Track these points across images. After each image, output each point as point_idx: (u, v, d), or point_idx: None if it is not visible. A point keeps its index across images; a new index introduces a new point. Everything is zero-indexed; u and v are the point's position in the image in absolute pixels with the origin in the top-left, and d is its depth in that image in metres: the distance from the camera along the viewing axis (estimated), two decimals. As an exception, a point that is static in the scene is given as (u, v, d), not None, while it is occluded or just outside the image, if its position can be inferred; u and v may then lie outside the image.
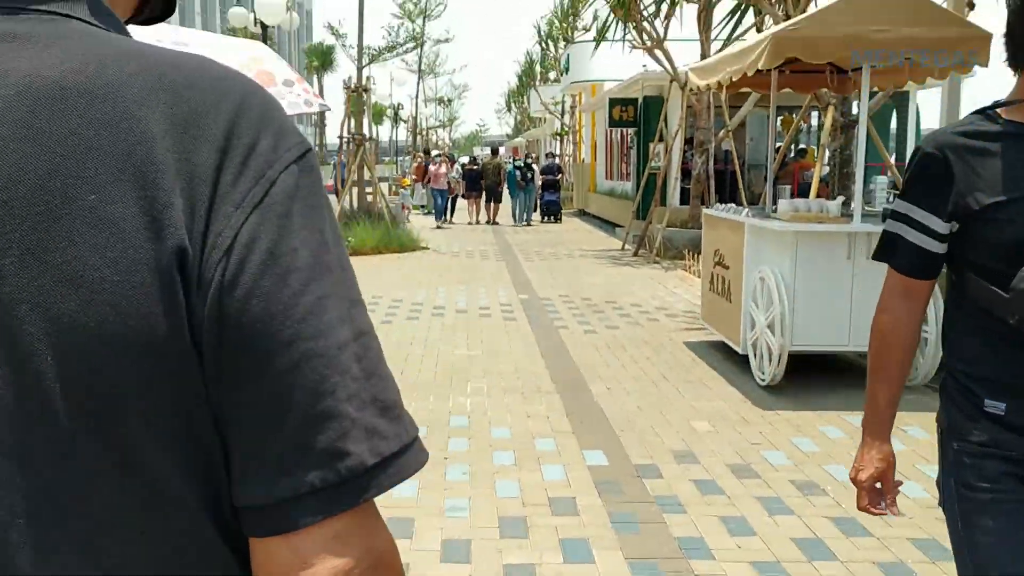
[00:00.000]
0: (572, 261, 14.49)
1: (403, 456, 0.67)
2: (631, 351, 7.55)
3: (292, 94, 4.24)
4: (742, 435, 5.19)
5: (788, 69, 7.76)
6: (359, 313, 0.69)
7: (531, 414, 5.63)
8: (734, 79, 6.45)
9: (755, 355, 6.43)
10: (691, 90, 15.21)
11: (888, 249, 1.90)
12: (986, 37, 5.59)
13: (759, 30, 15.11)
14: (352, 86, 15.04)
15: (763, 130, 22.19)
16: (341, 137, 15.34)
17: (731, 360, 7.04)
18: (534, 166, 23.04)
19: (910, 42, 5.56)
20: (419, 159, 26.23)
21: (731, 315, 6.99)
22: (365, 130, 15.16)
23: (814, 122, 22.62)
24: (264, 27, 14.28)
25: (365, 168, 15.26)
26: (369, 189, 15.40)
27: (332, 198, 21.40)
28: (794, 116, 22.17)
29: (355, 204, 15.30)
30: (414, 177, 24.88)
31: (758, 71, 6.29)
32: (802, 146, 21.45)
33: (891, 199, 17.49)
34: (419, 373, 6.73)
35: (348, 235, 14.41)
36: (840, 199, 6.29)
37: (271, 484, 0.64)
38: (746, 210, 6.95)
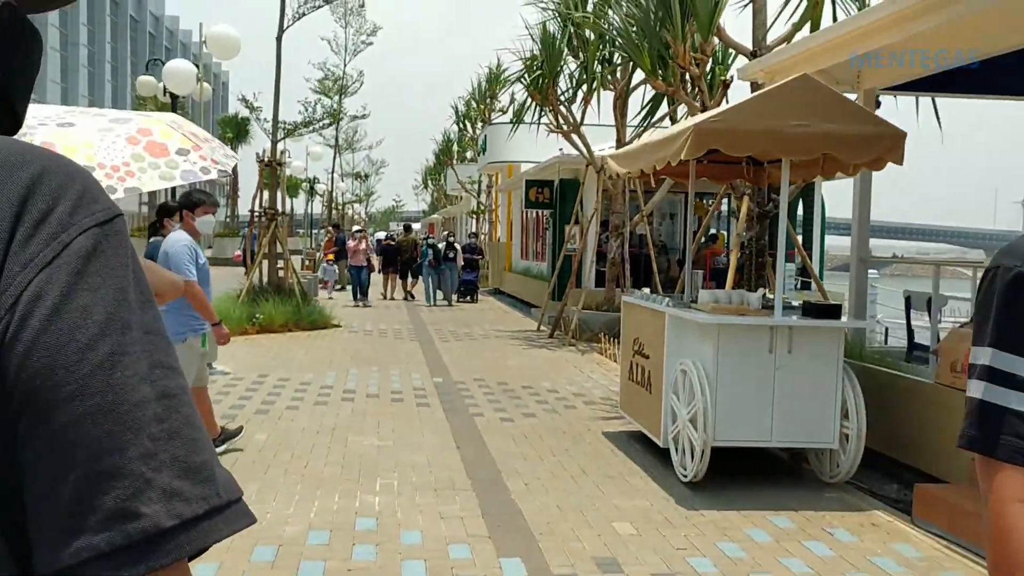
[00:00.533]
0: (488, 342, 14.24)
1: (211, 519, 0.65)
2: (549, 442, 7.27)
3: (187, 162, 3.96)
4: (666, 538, 4.93)
5: (706, 159, 7.83)
6: (166, 376, 0.68)
7: (445, 515, 5.27)
8: (657, 167, 6.41)
9: (677, 449, 6.24)
10: (607, 176, 15.43)
11: (987, 431, 1.19)
12: (900, 136, 5.69)
13: (673, 120, 15.49)
14: (265, 159, 14.68)
15: (676, 214, 22.69)
16: (252, 210, 14.89)
17: (652, 452, 6.83)
18: (456, 244, 22.35)
19: (828, 138, 5.61)
20: (329, 233, 25.66)
21: (651, 406, 6.80)
22: (278, 204, 14.75)
23: (723, 208, 23.26)
24: (174, 97, 13.88)
25: (277, 242, 14.81)
26: (280, 263, 14.91)
27: (240, 271, 20.80)
28: (705, 202, 22.81)
29: (265, 279, 14.78)
30: (323, 253, 24.22)
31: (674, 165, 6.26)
32: (712, 231, 21.97)
33: (798, 284, 17.90)
34: (324, 466, 6.30)
35: (256, 311, 13.87)
36: (761, 291, 6.24)
37: (58, 549, 0.62)
38: (666, 299, 6.84)
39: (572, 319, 14.88)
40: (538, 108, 15.37)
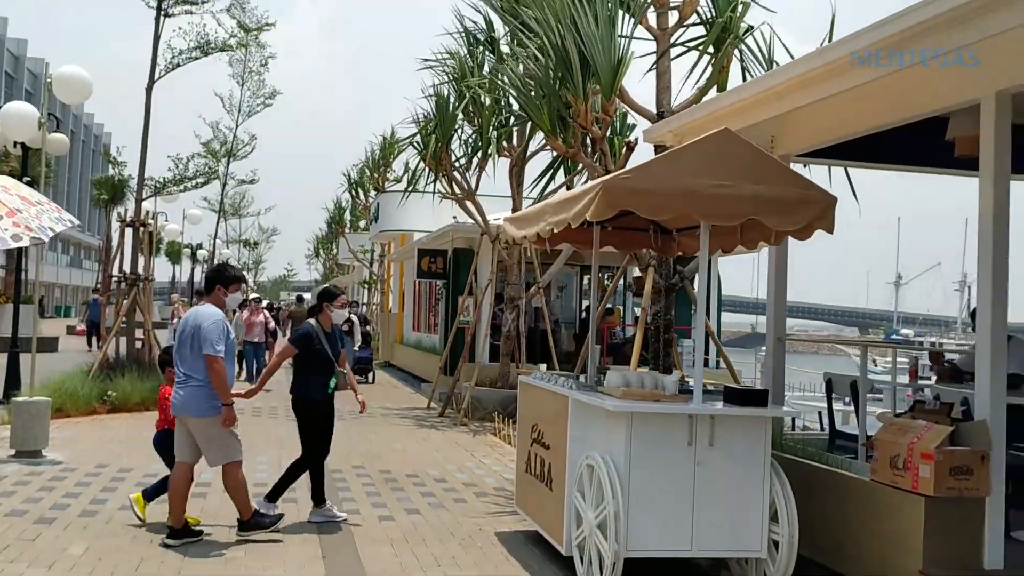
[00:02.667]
0: (373, 422, 13.06)
1: None
2: (433, 547, 6.23)
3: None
4: None
5: (610, 226, 7.14)
6: None
7: (296, 657, 4.17)
8: (556, 230, 5.63)
9: (583, 559, 5.31)
10: (502, 245, 14.72)
11: None
12: (832, 202, 5.09)
13: (570, 188, 14.99)
14: (128, 220, 13.33)
15: (570, 287, 22.17)
16: (111, 275, 13.44)
17: (553, 560, 5.88)
18: (353, 317, 18.58)
19: (754, 201, 4.95)
20: (174, 303, 22.67)
21: (552, 506, 5.89)
22: (141, 268, 13.37)
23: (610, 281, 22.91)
24: (26, 149, 12.47)
25: (138, 310, 13.37)
26: (141, 334, 13.45)
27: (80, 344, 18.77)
28: (604, 277, 22.41)
29: (123, 352, 13.28)
30: (173, 316, 21.68)
31: (582, 224, 5.51)
32: (608, 306, 21.55)
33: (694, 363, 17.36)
34: (153, 588, 5.09)
35: (109, 388, 12.34)
36: (677, 374, 5.47)
37: None
38: (570, 381, 6.00)
39: (464, 396, 13.91)
40: (432, 175, 14.61)
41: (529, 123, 13.94)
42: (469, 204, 14.60)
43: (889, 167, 7.19)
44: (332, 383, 6.77)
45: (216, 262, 39.84)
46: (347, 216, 39.18)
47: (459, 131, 13.99)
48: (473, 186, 14.23)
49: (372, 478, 8.72)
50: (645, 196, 4.88)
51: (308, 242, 73.51)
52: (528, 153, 14.12)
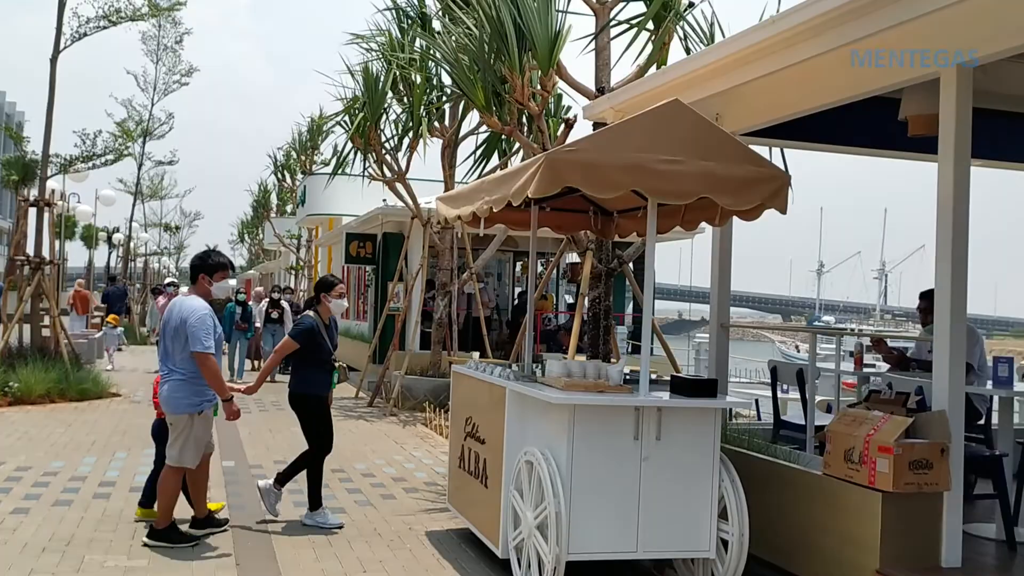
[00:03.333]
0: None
1: None
2: (359, 549, 5.79)
3: None
4: None
5: (549, 206, 6.77)
6: None
7: None
8: (494, 209, 5.21)
9: (520, 563, 4.94)
10: (434, 229, 14.25)
11: None
12: (785, 180, 4.79)
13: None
14: (32, 199, 12.43)
15: (502, 274, 21.80)
16: (13, 258, 12.55)
17: (489, 562, 5.50)
18: (284, 304, 17.47)
19: (706, 179, 4.62)
20: (80, 286, 21.87)
21: (488, 504, 5.50)
22: (46, 251, 12.49)
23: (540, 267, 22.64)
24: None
25: (43, 296, 12.50)
26: (47, 322, 12.60)
27: None
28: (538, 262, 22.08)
29: (25, 340, 12.40)
30: (70, 303, 20.55)
31: (520, 205, 5.11)
32: (542, 292, 21.26)
33: (629, 349, 17.28)
34: (41, 606, 4.53)
35: (10, 379, 11.50)
36: (622, 363, 5.11)
37: None
38: (507, 371, 5.61)
39: (394, 385, 13.43)
40: (360, 156, 14.02)
41: (463, 101, 13.47)
42: (399, 186, 14.07)
43: (842, 149, 6.96)
44: (335, 377, 6.52)
45: (131, 247, 38.27)
46: (273, 199, 38.05)
47: (389, 110, 13.43)
48: (404, 168, 13.69)
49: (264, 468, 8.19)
50: (591, 171, 4.50)
51: (232, 226, 71.47)
52: (461, 134, 13.64)
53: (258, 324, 17.08)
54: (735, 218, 5.41)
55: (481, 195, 5.48)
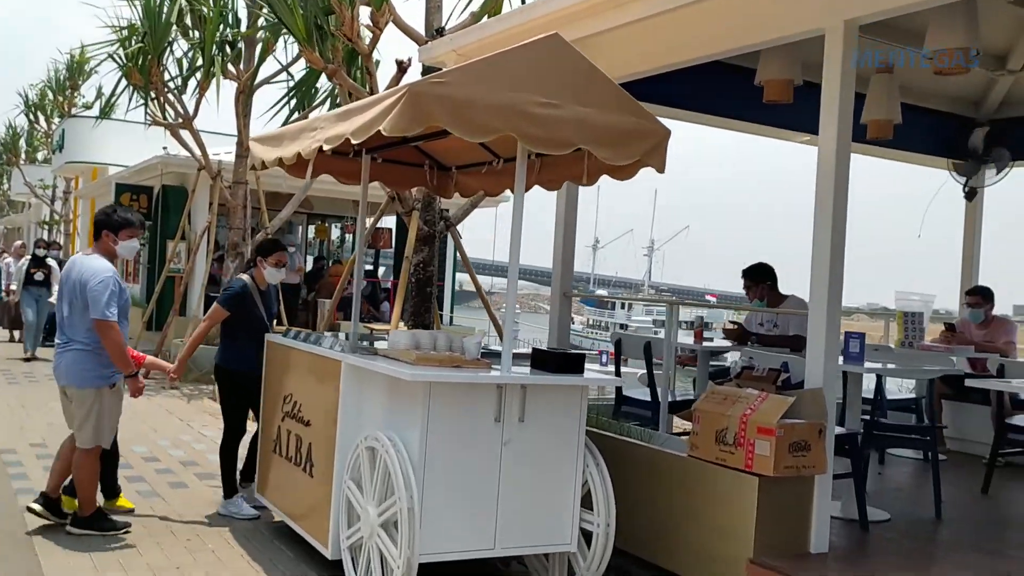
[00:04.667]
0: (54, 386, 10.81)
1: None
2: (150, 554, 4.82)
3: None
4: None
5: (380, 157, 6.00)
6: None
7: None
8: (328, 147, 4.39)
9: (358, 566, 4.23)
10: (225, 184, 12.87)
11: None
12: (666, 134, 4.35)
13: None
14: None
15: (295, 235, 20.50)
16: None
17: (313, 563, 4.73)
18: (51, 262, 13.79)
19: (583, 127, 4.07)
20: None
21: (313, 497, 4.72)
22: None
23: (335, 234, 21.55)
24: None
25: None
26: None
27: None
28: (328, 225, 20.93)
29: None
30: None
31: (357, 143, 4.35)
32: (336, 258, 20.18)
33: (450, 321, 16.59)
34: None
35: None
36: (478, 335, 4.47)
37: None
38: (337, 340, 4.83)
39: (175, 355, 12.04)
40: (139, 96, 12.36)
41: (259, 43, 12.23)
42: (185, 134, 12.57)
43: (701, 117, 6.70)
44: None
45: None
46: (23, 144, 33.78)
47: (173, 44, 11.90)
48: (192, 112, 12.22)
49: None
50: (461, 109, 3.82)
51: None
52: (258, 80, 12.35)
53: (14, 286, 14.36)
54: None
55: (313, 132, 4.63)
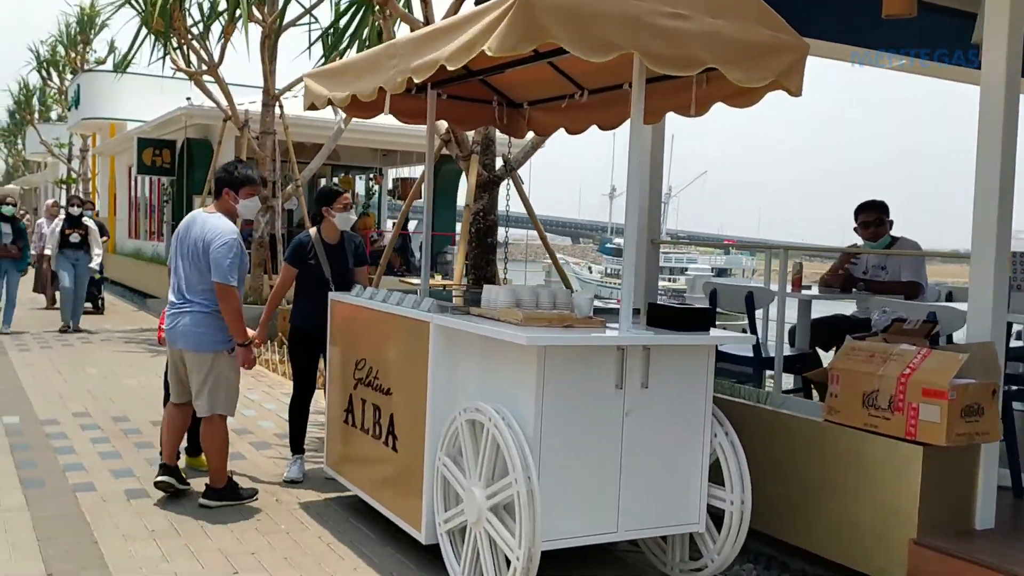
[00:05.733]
0: (91, 349, 10.42)
1: None
2: (220, 537, 4.36)
3: None
4: None
5: (446, 93, 5.41)
6: None
7: None
8: (420, 78, 3.79)
9: (462, 554, 3.74)
10: (252, 134, 12.27)
11: None
12: (804, 50, 3.72)
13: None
14: None
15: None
16: None
17: (402, 546, 4.26)
18: (89, 222, 12.28)
19: (712, 42, 3.45)
20: None
21: (398, 473, 4.23)
22: None
23: (360, 188, 20.92)
24: None
25: None
26: None
27: None
28: (352, 176, 20.33)
29: None
30: None
31: (454, 70, 3.75)
32: (363, 209, 19.61)
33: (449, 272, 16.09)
34: None
35: None
36: (588, 290, 3.90)
37: None
38: (423, 300, 4.28)
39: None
40: (158, 43, 11.72)
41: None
42: (209, 83, 11.95)
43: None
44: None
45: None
46: (36, 102, 33.14)
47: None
48: (216, 58, 11.58)
49: (104, 430, 6.48)
50: (580, 21, 3.20)
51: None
52: (285, 22, 11.67)
53: (48, 251, 12.60)
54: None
55: (392, 60, 4.03)
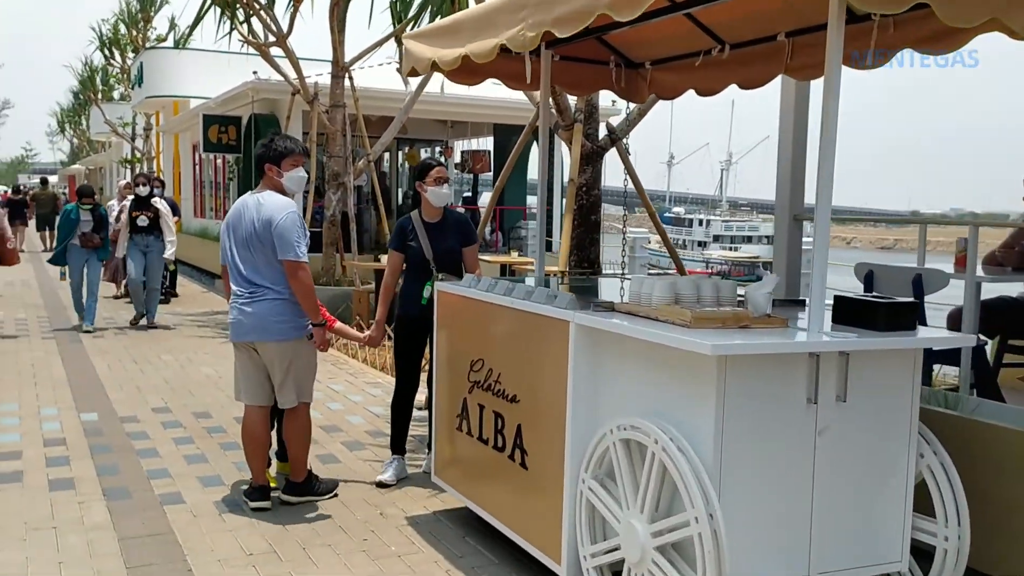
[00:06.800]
0: (163, 334, 10.08)
1: None
2: (322, 558, 3.85)
3: None
4: None
5: (557, 54, 4.78)
6: None
7: None
8: (557, 32, 3.16)
9: (617, 597, 3.16)
10: (322, 108, 11.78)
11: None
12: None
13: (400, 39, 12.16)
14: None
15: (386, 166, 19.45)
16: None
17: (525, 565, 3.72)
18: (160, 203, 10.59)
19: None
20: None
21: (528, 493, 3.66)
22: None
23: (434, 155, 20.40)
24: None
25: None
26: None
27: None
28: (418, 150, 19.79)
29: None
30: None
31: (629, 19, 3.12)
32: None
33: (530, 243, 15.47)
34: None
35: None
36: (772, 279, 3.25)
37: None
38: (544, 289, 3.68)
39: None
40: (224, 17, 11.26)
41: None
42: (276, 55, 11.47)
43: None
44: (425, 291, 4.83)
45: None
46: (99, 82, 33.27)
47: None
48: (286, 29, 11.09)
49: (186, 428, 6.06)
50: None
51: (52, 116, 63.75)
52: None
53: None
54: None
55: (518, 13, 3.41)
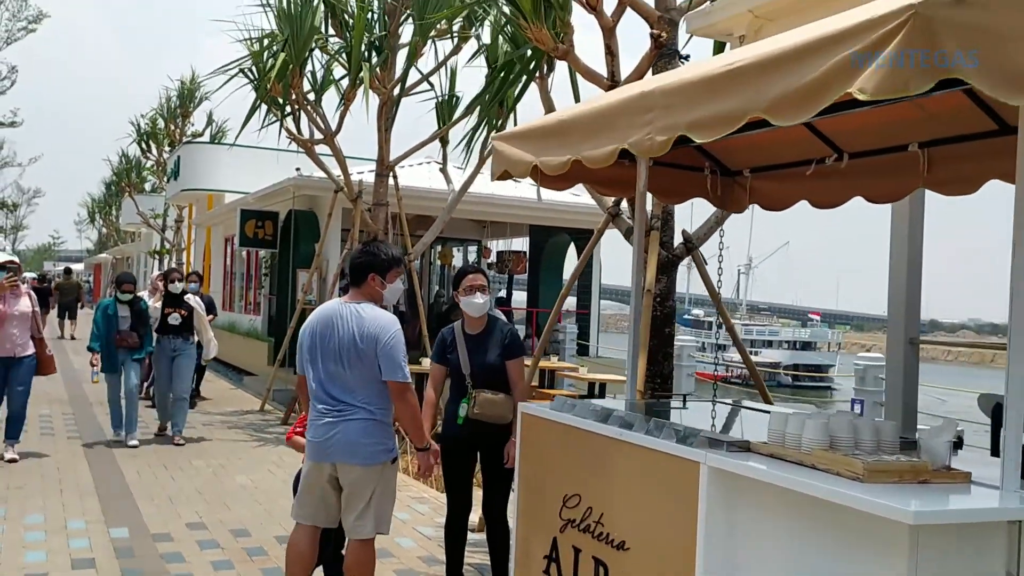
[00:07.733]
0: (195, 439, 9.60)
1: None
2: None
3: None
4: None
5: (653, 160, 4.46)
6: None
7: None
8: (700, 138, 2.82)
9: None
10: (365, 206, 11.60)
11: None
12: None
13: (444, 141, 12.10)
14: None
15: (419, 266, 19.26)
16: None
17: None
18: (194, 300, 9.68)
19: None
20: None
21: (646, 664, 3.12)
22: None
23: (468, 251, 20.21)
24: None
25: None
26: None
27: None
28: (451, 249, 19.63)
29: None
30: None
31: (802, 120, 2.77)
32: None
33: (569, 351, 15.01)
34: None
35: None
36: (950, 423, 2.79)
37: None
38: (662, 424, 3.23)
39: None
40: (271, 112, 11.19)
41: (405, 49, 10.95)
42: (321, 153, 11.35)
43: None
44: (462, 409, 4.58)
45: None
46: (133, 175, 33.73)
47: (314, 52, 10.70)
48: (335, 126, 10.98)
49: (224, 549, 5.54)
50: (1001, 44, 2.19)
51: (81, 206, 64.94)
52: (407, 86, 11.04)
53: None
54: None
55: (645, 115, 3.07)
